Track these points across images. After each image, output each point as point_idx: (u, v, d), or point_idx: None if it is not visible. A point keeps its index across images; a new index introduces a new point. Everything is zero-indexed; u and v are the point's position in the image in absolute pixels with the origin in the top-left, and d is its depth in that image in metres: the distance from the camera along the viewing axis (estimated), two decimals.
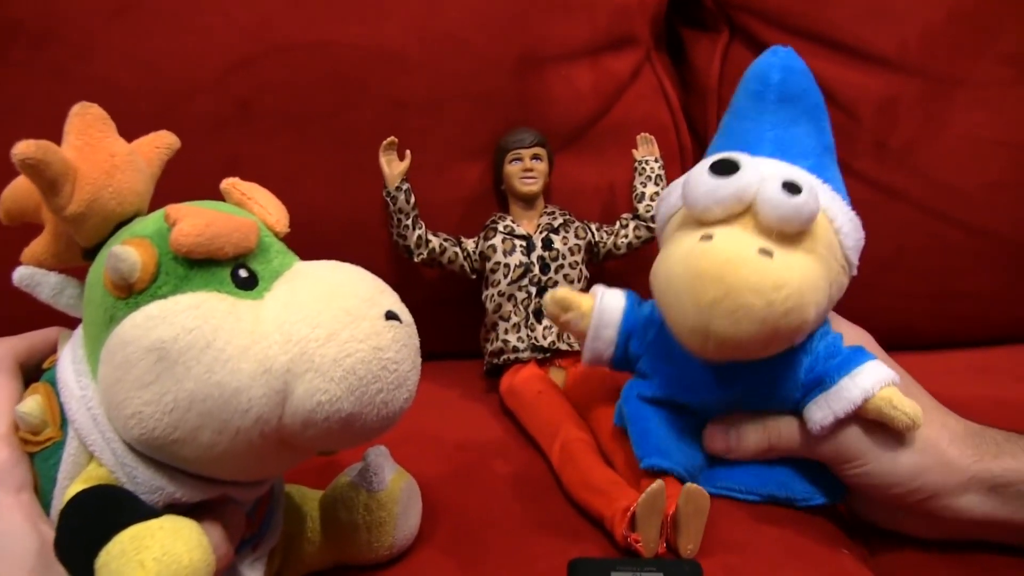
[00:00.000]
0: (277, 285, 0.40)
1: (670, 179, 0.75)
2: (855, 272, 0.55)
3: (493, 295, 0.75)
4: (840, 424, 0.52)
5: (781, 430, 0.55)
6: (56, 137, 0.75)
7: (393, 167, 0.75)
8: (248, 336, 0.37)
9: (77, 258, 0.43)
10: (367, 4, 0.78)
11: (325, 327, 0.38)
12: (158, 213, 0.40)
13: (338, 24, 0.77)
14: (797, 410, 0.55)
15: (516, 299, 0.74)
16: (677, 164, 0.86)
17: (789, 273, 0.49)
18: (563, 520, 0.57)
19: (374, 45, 0.77)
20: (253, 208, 0.44)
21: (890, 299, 0.85)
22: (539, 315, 0.73)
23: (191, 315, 0.37)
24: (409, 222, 0.75)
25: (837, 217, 0.53)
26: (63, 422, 0.40)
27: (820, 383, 0.53)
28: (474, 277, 0.78)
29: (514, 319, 0.74)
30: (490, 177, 0.81)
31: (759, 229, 0.50)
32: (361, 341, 0.38)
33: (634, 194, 0.80)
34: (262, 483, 0.44)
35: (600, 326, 0.59)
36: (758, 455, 0.56)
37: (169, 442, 0.37)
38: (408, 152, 0.75)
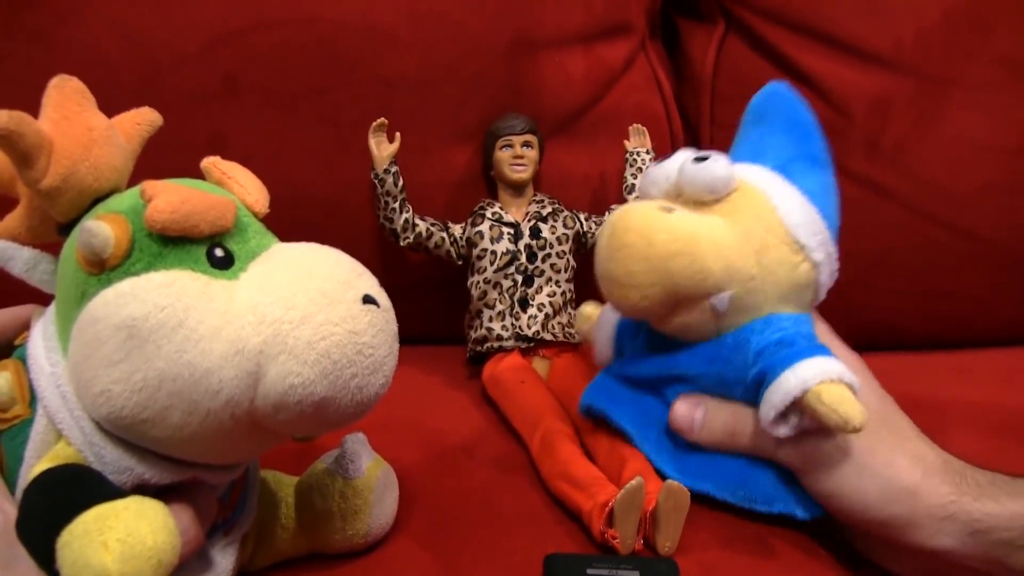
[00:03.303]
0: (253, 266, 0.39)
1: None
2: (817, 258, 0.54)
3: (479, 282, 0.74)
4: (804, 431, 0.50)
5: (745, 422, 0.53)
6: (35, 103, 0.74)
7: (382, 149, 0.74)
8: (221, 316, 0.36)
9: (52, 233, 0.42)
10: None
11: (300, 309, 0.37)
12: (134, 190, 0.40)
13: (328, 1, 0.76)
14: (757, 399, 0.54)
15: (502, 287, 0.73)
16: (669, 154, 0.85)
17: (683, 226, 0.51)
18: (541, 512, 0.57)
19: (364, 22, 0.76)
20: (233, 187, 0.43)
21: (876, 297, 0.85)
22: (524, 304, 0.73)
23: (163, 293, 0.36)
24: (396, 205, 0.74)
25: (776, 196, 0.54)
26: (32, 400, 0.39)
27: (766, 374, 0.52)
28: (460, 263, 0.77)
29: (499, 307, 0.73)
30: (478, 162, 0.80)
31: (682, 202, 0.55)
32: (336, 324, 0.37)
33: (624, 185, 0.79)
34: (235, 467, 0.43)
35: (601, 334, 0.63)
36: (722, 440, 0.55)
37: (138, 422, 0.36)
38: (397, 134, 0.74)
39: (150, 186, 0.38)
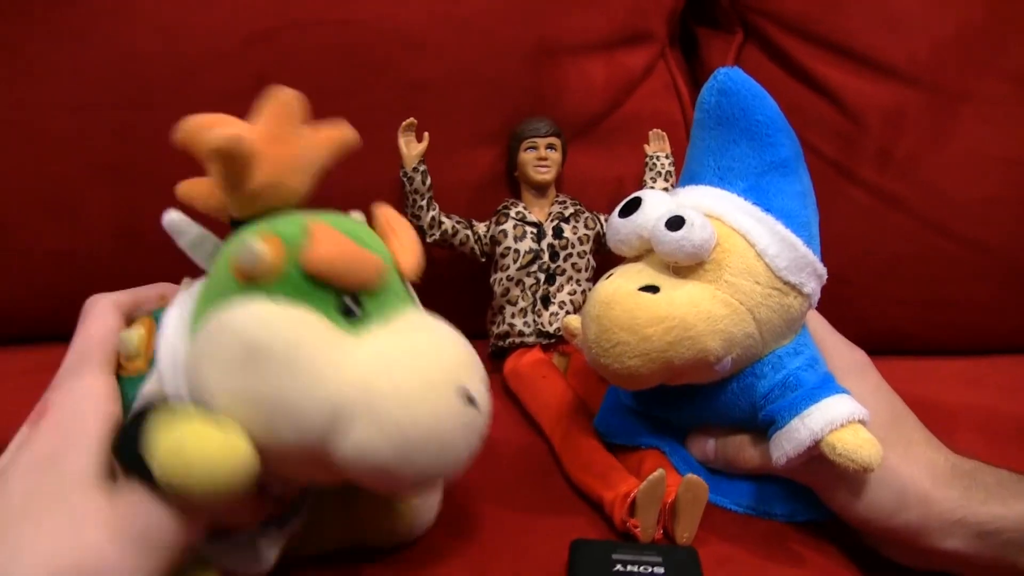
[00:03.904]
0: (377, 328, 0.42)
1: (678, 175, 0.77)
2: (808, 289, 0.54)
3: (502, 279, 0.76)
4: (812, 456, 0.51)
5: (750, 451, 0.55)
6: (76, 99, 0.76)
7: (411, 148, 0.75)
8: (331, 367, 0.39)
9: (224, 216, 0.45)
10: None
11: (401, 389, 0.39)
12: (300, 218, 0.42)
13: (360, 3, 0.77)
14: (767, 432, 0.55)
15: (524, 284, 0.75)
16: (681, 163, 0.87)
17: (669, 308, 0.50)
18: (563, 502, 0.59)
19: (394, 26, 0.77)
20: (391, 244, 0.45)
21: (885, 304, 0.86)
22: (546, 301, 0.75)
23: (292, 329, 0.39)
24: (424, 203, 0.75)
25: (760, 240, 0.52)
26: (153, 359, 0.42)
27: (774, 420, 0.52)
28: (483, 260, 0.79)
29: (521, 304, 0.75)
30: (502, 163, 0.82)
31: (662, 264, 0.53)
32: (427, 416, 0.39)
33: (643, 188, 0.81)
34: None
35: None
36: (731, 468, 0.57)
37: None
38: (426, 134, 0.76)
39: (317, 228, 0.41)
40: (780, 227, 0.53)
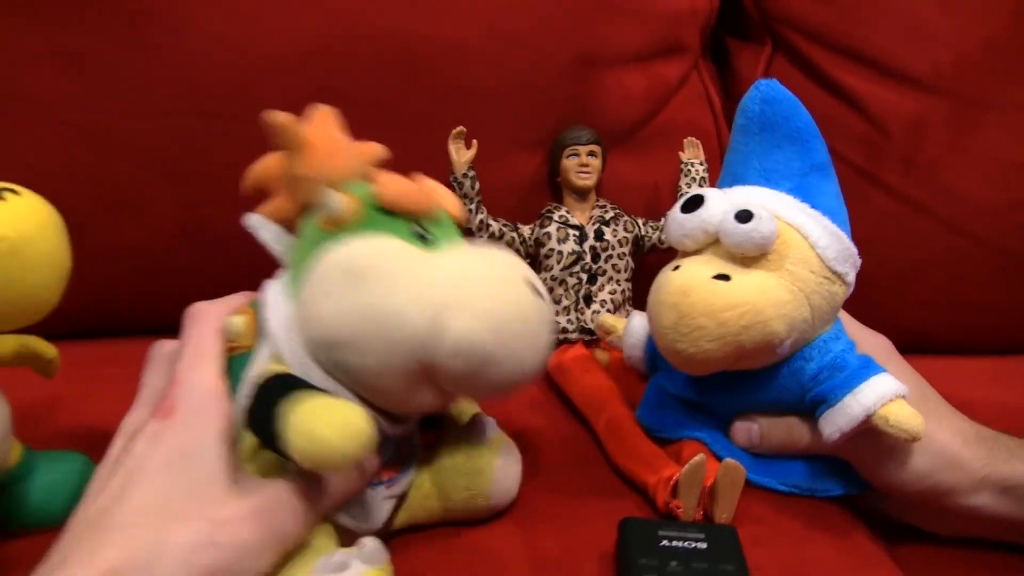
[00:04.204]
0: (448, 247, 0.49)
1: (712, 181, 0.81)
2: (850, 279, 0.58)
3: (546, 279, 0.80)
4: (859, 431, 0.55)
5: (801, 434, 0.59)
6: (150, 107, 0.80)
7: (461, 154, 0.79)
8: (418, 273, 0.46)
9: (291, 222, 0.51)
10: None
11: (483, 280, 0.46)
12: (360, 182, 0.50)
13: (412, 16, 0.81)
14: (811, 412, 0.59)
15: (567, 284, 0.79)
16: (717, 168, 0.89)
17: (743, 294, 0.54)
18: (609, 487, 0.62)
19: (445, 38, 0.81)
20: (434, 196, 0.51)
21: (909, 306, 0.89)
22: (588, 300, 0.79)
23: (378, 247, 0.46)
24: (473, 206, 0.80)
25: (812, 233, 0.56)
26: (258, 336, 0.48)
27: (826, 399, 0.56)
28: (528, 261, 0.82)
29: (565, 302, 0.79)
30: (544, 169, 0.86)
31: (727, 255, 0.56)
32: (509, 297, 0.46)
33: (679, 194, 0.84)
34: (407, 421, 0.51)
35: (629, 346, 0.68)
36: (780, 452, 0.61)
37: (339, 344, 0.45)
38: (475, 141, 0.79)
39: (377, 174, 0.49)
40: (827, 221, 0.57)
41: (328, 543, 0.47)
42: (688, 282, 0.55)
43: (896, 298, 0.88)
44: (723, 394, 0.61)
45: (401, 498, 0.53)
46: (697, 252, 0.59)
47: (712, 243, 0.58)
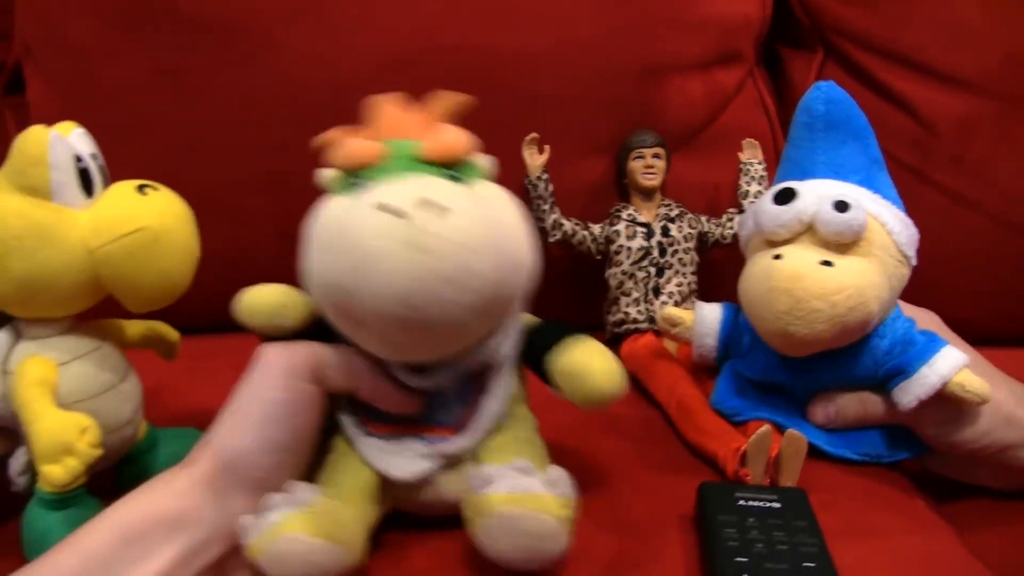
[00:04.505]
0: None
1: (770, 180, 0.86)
2: (914, 262, 0.63)
3: (616, 273, 0.85)
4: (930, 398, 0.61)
5: (875, 405, 0.64)
6: (242, 121, 0.85)
7: (535, 159, 0.85)
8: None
9: None
10: (512, 13, 0.87)
11: (337, 214, 0.47)
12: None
13: (489, 30, 0.87)
14: (883, 387, 0.64)
15: (637, 278, 0.84)
16: (773, 169, 0.94)
17: (848, 277, 0.58)
18: (682, 460, 0.67)
19: (519, 49, 0.87)
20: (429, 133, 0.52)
21: (959, 297, 0.91)
22: (657, 292, 0.84)
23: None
24: (547, 207, 0.85)
25: (888, 221, 0.61)
26: None
27: (902, 371, 0.61)
28: (599, 258, 0.87)
29: (635, 295, 0.84)
30: (612, 171, 0.91)
31: (819, 243, 0.60)
32: (349, 228, 0.46)
33: (739, 192, 0.90)
34: (429, 373, 0.53)
35: (702, 335, 0.71)
36: (855, 425, 0.65)
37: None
38: (547, 146, 0.85)
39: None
40: (896, 209, 0.63)
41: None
42: (800, 268, 0.58)
43: (946, 290, 0.90)
44: (803, 376, 0.65)
45: (453, 465, 0.54)
46: (786, 242, 0.62)
47: (803, 232, 0.61)
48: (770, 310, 0.59)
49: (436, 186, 0.46)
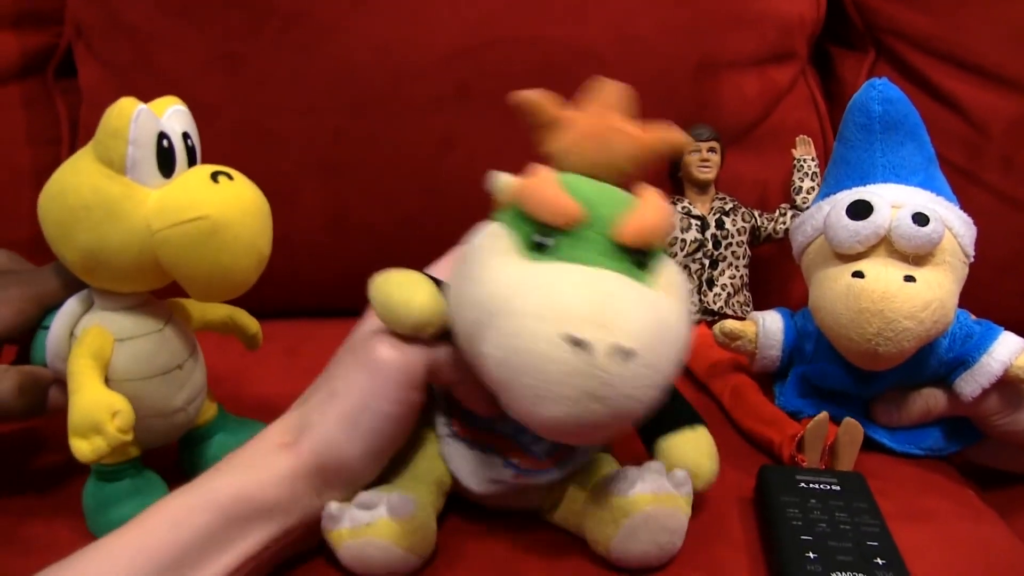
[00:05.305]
0: (550, 262, 0.45)
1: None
2: (972, 259, 0.64)
3: None
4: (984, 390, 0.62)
5: (937, 399, 0.66)
6: (302, 106, 0.87)
7: None
8: (491, 275, 0.45)
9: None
10: (573, 7, 0.88)
11: (519, 315, 0.42)
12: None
13: (548, 23, 0.87)
14: (943, 381, 0.65)
15: (690, 269, 0.86)
16: (823, 166, 0.96)
17: (931, 292, 0.58)
18: (737, 445, 0.68)
19: (577, 42, 0.88)
20: (630, 212, 0.47)
21: (1007, 297, 0.92)
22: (711, 283, 0.85)
23: (482, 238, 0.48)
24: None
25: (954, 224, 0.62)
26: None
27: (963, 362, 0.63)
28: None
29: (688, 286, 0.85)
30: (666, 165, 0.92)
31: (895, 255, 0.60)
32: (526, 347, 0.41)
33: (792, 187, 0.91)
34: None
35: (765, 347, 0.71)
36: (919, 421, 0.67)
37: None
38: None
39: (535, 170, 0.47)
40: (958, 210, 0.63)
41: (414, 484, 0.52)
42: (888, 288, 0.58)
43: (995, 290, 0.91)
44: (872, 381, 0.66)
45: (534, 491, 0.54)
46: (860, 256, 0.62)
47: (877, 244, 0.61)
48: (859, 332, 0.59)
49: (624, 302, 0.43)
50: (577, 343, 0.40)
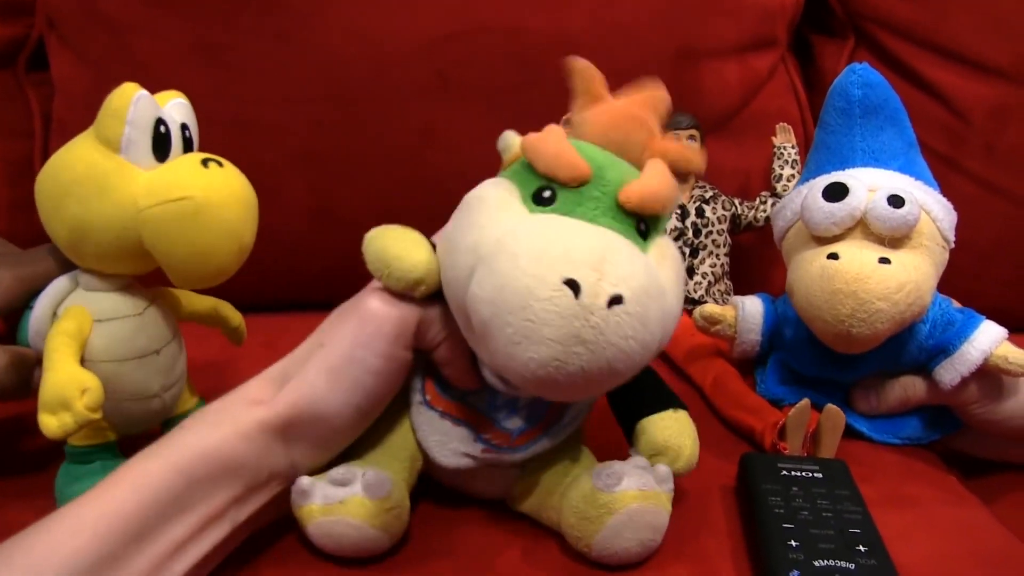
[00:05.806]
0: (550, 213, 0.45)
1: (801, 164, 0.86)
2: (952, 245, 0.63)
3: None
4: (965, 377, 0.61)
5: (916, 387, 0.65)
6: (280, 95, 0.85)
7: None
8: (488, 220, 0.45)
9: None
10: None
11: (516, 256, 0.41)
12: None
13: (528, 12, 0.87)
14: (923, 369, 0.65)
15: None
16: (803, 153, 0.95)
17: (906, 274, 0.58)
18: (719, 435, 0.68)
19: (556, 31, 0.87)
20: (637, 177, 0.47)
21: (989, 285, 0.93)
22: (691, 272, 0.85)
23: (482, 189, 0.48)
24: None
25: (933, 208, 0.61)
26: None
27: (943, 350, 0.62)
28: None
29: (683, 267, 0.84)
30: None
31: (871, 238, 0.60)
32: (521, 284, 0.40)
33: (773, 175, 0.90)
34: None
35: (745, 331, 0.70)
36: (897, 409, 0.66)
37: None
38: None
39: (545, 128, 0.48)
40: (937, 194, 0.63)
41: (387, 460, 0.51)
42: (862, 269, 0.58)
43: (976, 277, 0.92)
44: (851, 367, 0.66)
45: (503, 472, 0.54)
46: (836, 238, 0.61)
47: (853, 227, 0.61)
48: (833, 313, 0.59)
49: (619, 254, 0.42)
50: (567, 282, 0.40)
